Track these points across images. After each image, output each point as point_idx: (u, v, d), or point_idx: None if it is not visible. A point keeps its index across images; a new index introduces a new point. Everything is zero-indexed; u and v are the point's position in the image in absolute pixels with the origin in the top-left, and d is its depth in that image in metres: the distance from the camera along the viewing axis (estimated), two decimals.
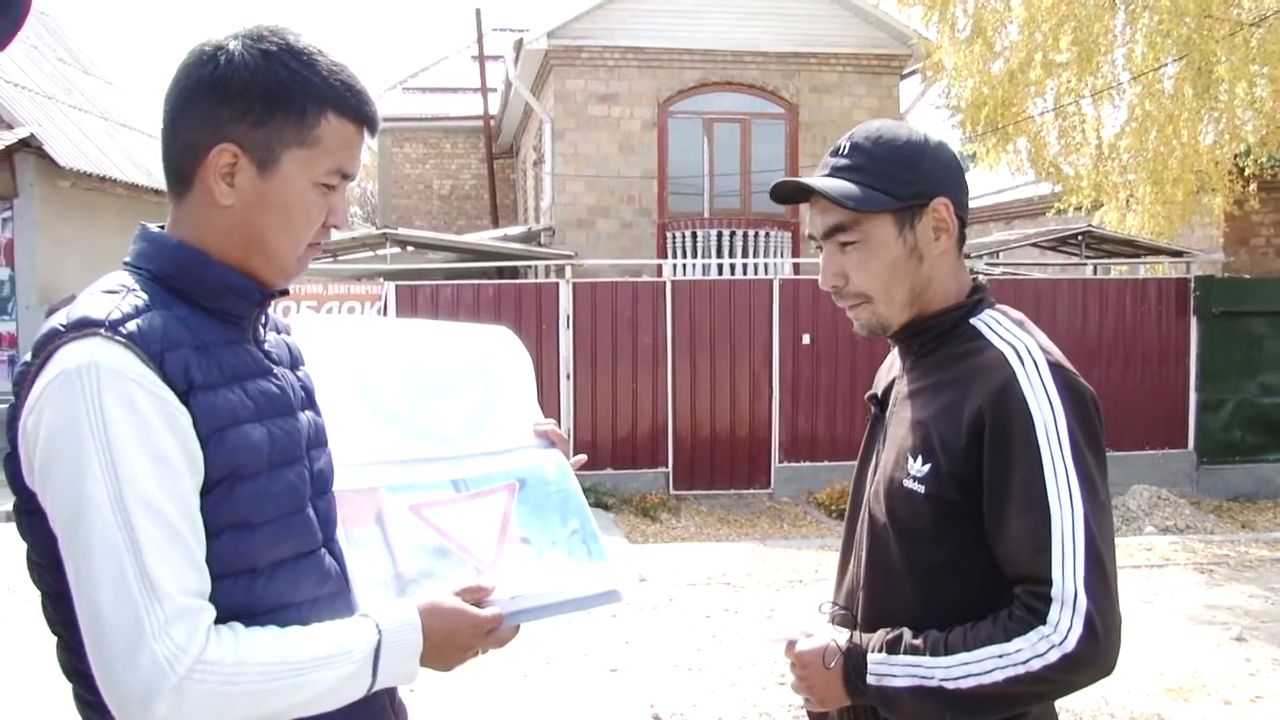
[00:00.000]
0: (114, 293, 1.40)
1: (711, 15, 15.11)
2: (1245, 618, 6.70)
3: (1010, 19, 11.74)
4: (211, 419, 1.37)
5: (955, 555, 1.67)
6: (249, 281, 1.49)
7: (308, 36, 1.50)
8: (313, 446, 1.56)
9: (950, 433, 1.65)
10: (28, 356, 1.37)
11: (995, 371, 1.65)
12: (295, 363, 1.64)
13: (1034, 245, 13.79)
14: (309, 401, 1.61)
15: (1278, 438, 11.90)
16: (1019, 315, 1.79)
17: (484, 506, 1.78)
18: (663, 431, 11.36)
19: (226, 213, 1.46)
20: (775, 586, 7.60)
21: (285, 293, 1.59)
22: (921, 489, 1.68)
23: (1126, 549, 8.54)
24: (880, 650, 1.67)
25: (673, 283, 11.55)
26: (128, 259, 1.48)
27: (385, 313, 10.73)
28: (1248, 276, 13.38)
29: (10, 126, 13.29)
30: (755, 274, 13.74)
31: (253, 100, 1.43)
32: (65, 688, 1.47)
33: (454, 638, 1.52)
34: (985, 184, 22.57)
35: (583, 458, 1.99)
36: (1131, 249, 13.13)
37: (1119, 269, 13.82)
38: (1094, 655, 1.54)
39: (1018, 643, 1.56)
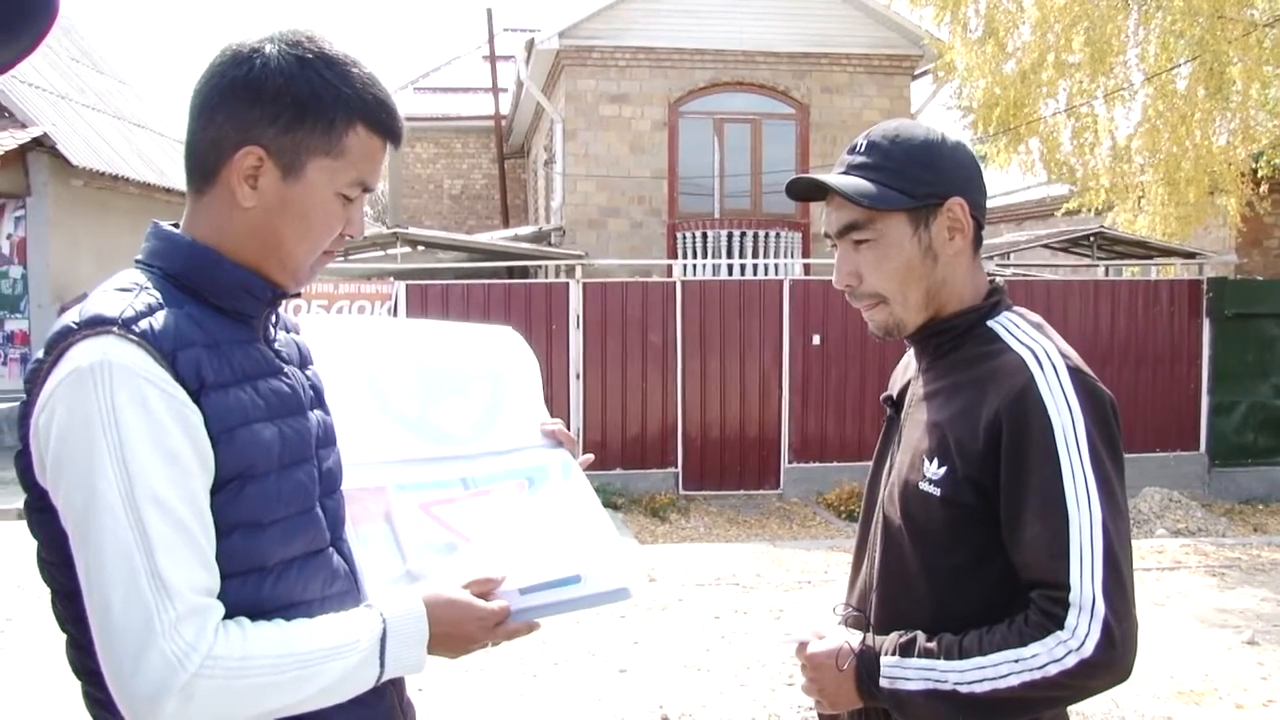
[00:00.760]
0: (127, 290, 1.40)
1: (722, 15, 15.10)
2: (1257, 621, 6.67)
3: (1023, 19, 11.71)
4: (222, 418, 1.38)
5: (970, 559, 1.66)
6: (262, 281, 1.49)
7: (342, 45, 1.50)
8: (322, 446, 1.56)
9: (967, 436, 1.64)
10: (40, 354, 1.37)
11: (1014, 375, 1.64)
12: (305, 362, 1.64)
13: (1045, 246, 13.76)
14: (318, 401, 1.61)
15: None
16: (1037, 318, 1.77)
17: (492, 504, 1.79)
18: (672, 432, 11.36)
19: (246, 214, 1.46)
20: (784, 587, 7.58)
21: (298, 294, 1.59)
22: (937, 492, 1.66)
23: (1138, 551, 8.51)
24: (894, 653, 1.66)
25: (683, 283, 11.55)
26: (140, 257, 1.48)
27: (395, 312, 10.75)
28: (1260, 278, 13.33)
29: (24, 125, 13.35)
30: (765, 274, 13.72)
31: (284, 106, 1.43)
32: (75, 685, 1.47)
33: (460, 628, 1.53)
34: (996, 185, 22.48)
35: (589, 457, 1.99)
36: (1143, 250, 13.09)
37: (1131, 270, 13.78)
38: (1111, 661, 1.53)
39: (1034, 648, 1.55)
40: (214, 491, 1.37)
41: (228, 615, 1.36)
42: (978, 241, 1.78)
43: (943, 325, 1.77)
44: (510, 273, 13.92)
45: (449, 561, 1.66)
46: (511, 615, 1.60)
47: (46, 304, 13.55)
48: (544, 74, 16.34)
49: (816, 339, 11.42)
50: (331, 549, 1.54)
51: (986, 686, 1.57)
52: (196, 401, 1.36)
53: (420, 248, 13.62)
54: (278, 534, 1.43)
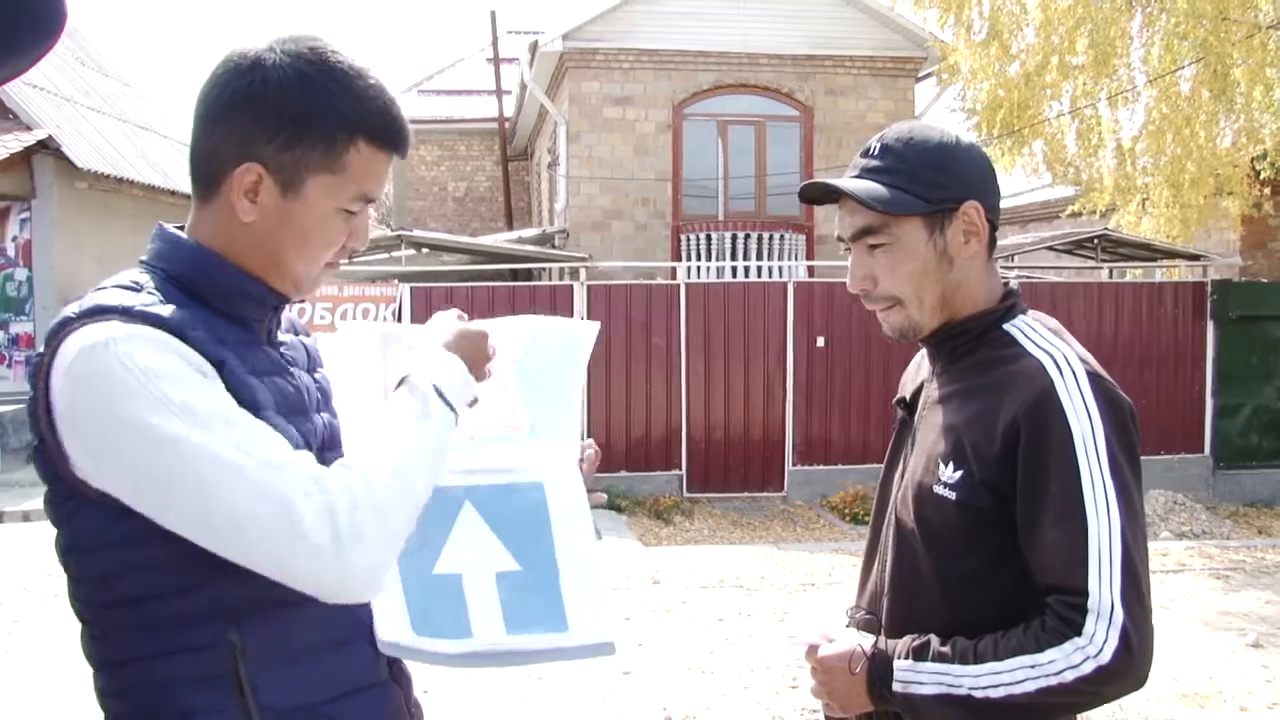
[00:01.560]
0: (128, 288, 1.40)
1: (726, 18, 15.11)
2: (1261, 624, 6.66)
3: (1026, 21, 11.71)
4: (238, 394, 1.37)
5: (985, 563, 1.66)
6: (264, 288, 1.48)
7: (348, 53, 1.47)
8: (326, 449, 1.56)
9: (984, 440, 1.63)
10: (41, 348, 1.36)
11: (1032, 380, 1.63)
12: (313, 365, 1.63)
13: (1049, 249, 13.74)
14: (325, 404, 1.61)
15: None
16: (1054, 322, 1.76)
17: (489, 532, 1.74)
18: (676, 434, 11.36)
19: (247, 227, 1.45)
20: (788, 590, 7.58)
21: (302, 300, 1.59)
22: (953, 496, 1.66)
23: None
24: (907, 656, 1.65)
25: (687, 285, 11.56)
26: (144, 258, 1.48)
27: (400, 315, 10.77)
28: (1265, 280, 13.31)
29: (29, 128, 13.37)
30: (770, 277, 13.72)
31: (284, 123, 1.41)
32: (80, 684, 1.46)
33: (469, 348, 1.53)
34: (1000, 187, 22.44)
35: (603, 497, 1.92)
36: (1148, 252, 13.08)
37: (1135, 273, 13.77)
38: (1128, 668, 1.53)
39: (1051, 653, 1.54)
40: None
41: (226, 610, 1.36)
42: (992, 244, 1.77)
43: (958, 328, 1.76)
44: (514, 275, 13.93)
45: (436, 583, 1.66)
46: (496, 656, 1.62)
47: (51, 306, 13.56)
48: (548, 76, 16.35)
49: (820, 341, 11.42)
50: None
51: (1001, 692, 1.56)
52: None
53: (424, 250, 13.64)
54: None
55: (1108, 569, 1.54)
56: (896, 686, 1.64)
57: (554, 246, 15.48)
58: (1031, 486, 1.59)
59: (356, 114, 1.44)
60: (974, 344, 1.76)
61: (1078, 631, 1.53)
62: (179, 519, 1.28)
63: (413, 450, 1.37)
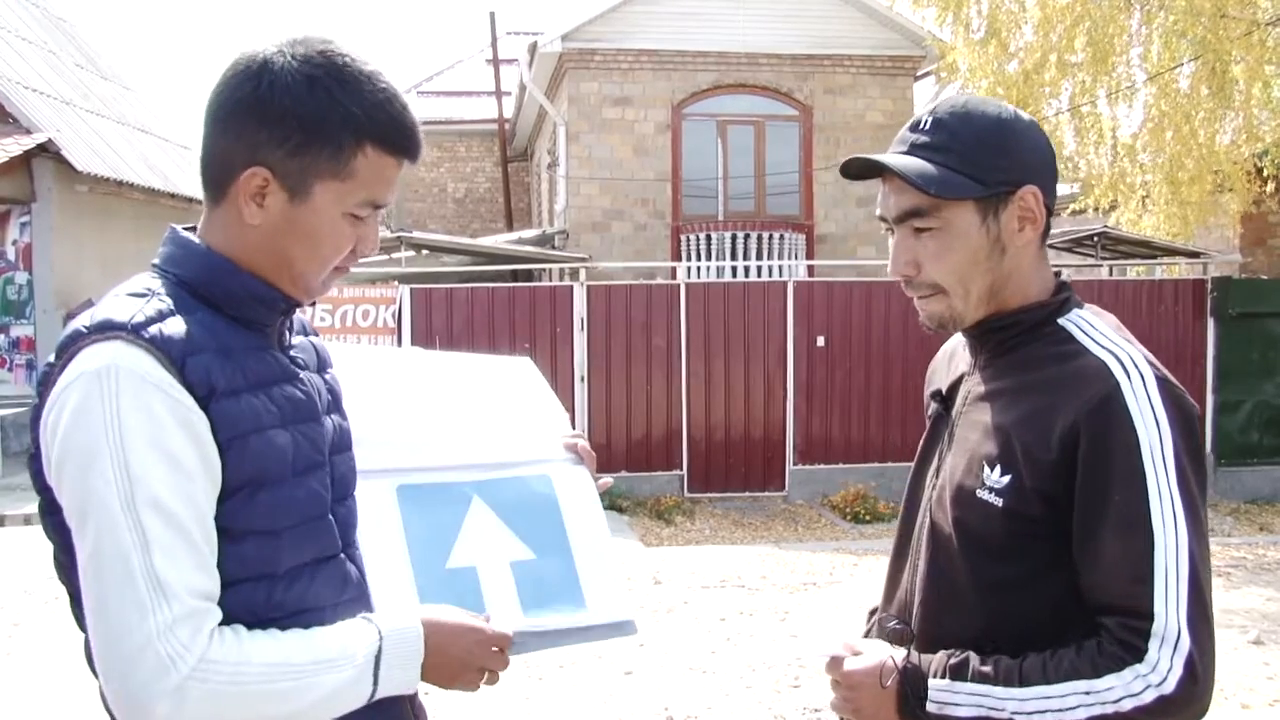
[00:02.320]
0: (139, 296, 1.40)
1: (725, 17, 15.12)
2: (1263, 621, 6.66)
3: (1025, 20, 11.70)
4: (232, 424, 1.37)
5: (1028, 573, 1.54)
6: (275, 292, 1.48)
7: (359, 57, 1.46)
8: (335, 451, 1.56)
9: (1038, 444, 1.51)
10: (51, 358, 1.38)
11: (1096, 382, 1.50)
12: (323, 365, 1.63)
13: (1050, 246, 13.71)
14: (335, 405, 1.61)
15: None
16: (1113, 319, 1.65)
17: (500, 522, 1.78)
18: (677, 434, 11.36)
19: (254, 231, 1.45)
20: (790, 589, 7.58)
21: (313, 303, 1.59)
22: (999, 502, 1.53)
23: None
24: (943, 675, 1.52)
25: (687, 285, 11.55)
26: (156, 261, 1.48)
27: (400, 315, 10.77)
28: (1265, 277, 13.31)
29: (28, 131, 13.38)
30: (769, 276, 13.72)
31: (291, 129, 1.40)
32: (81, 689, 1.48)
33: (458, 650, 1.50)
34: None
35: (608, 481, 1.95)
36: (1147, 250, 13.08)
37: (1135, 270, 13.77)
38: (1191, 698, 1.41)
39: (1109, 680, 1.42)
40: (225, 498, 1.37)
41: (240, 620, 1.37)
42: (1046, 232, 1.65)
43: (1007, 320, 1.63)
44: (514, 276, 13.93)
45: (453, 577, 1.66)
46: (517, 643, 1.60)
47: (51, 309, 13.57)
48: (547, 77, 16.36)
49: (821, 341, 11.42)
50: (343, 555, 1.54)
51: (1050, 718, 1.44)
52: (205, 408, 1.35)
53: (424, 251, 13.64)
54: (290, 540, 1.43)
55: (1174, 589, 1.42)
56: (931, 707, 1.51)
57: (554, 247, 15.49)
58: (1092, 495, 1.47)
59: (365, 119, 1.43)
60: (1023, 337, 1.63)
61: (1139, 658, 1.42)
62: (79, 560, 1.33)
63: (303, 677, 1.36)
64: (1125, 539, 1.45)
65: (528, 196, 23.66)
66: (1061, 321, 1.62)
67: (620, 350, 11.25)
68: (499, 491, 1.81)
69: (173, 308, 1.39)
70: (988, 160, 1.57)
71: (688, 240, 15.12)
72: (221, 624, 1.35)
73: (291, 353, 1.55)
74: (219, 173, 1.45)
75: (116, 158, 15.13)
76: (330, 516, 1.51)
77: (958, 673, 1.51)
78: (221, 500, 1.37)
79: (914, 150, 1.60)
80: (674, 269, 12.75)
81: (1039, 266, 1.66)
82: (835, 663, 1.61)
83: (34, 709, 5.23)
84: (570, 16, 15.20)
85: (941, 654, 1.55)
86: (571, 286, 11.37)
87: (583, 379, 11.14)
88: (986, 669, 1.49)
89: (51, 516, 1.39)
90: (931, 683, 1.52)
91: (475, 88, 23.88)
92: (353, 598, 1.53)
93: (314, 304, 1.57)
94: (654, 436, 11.34)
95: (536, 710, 5.20)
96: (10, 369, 13.94)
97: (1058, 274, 1.69)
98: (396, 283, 11.26)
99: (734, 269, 14.26)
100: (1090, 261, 13.23)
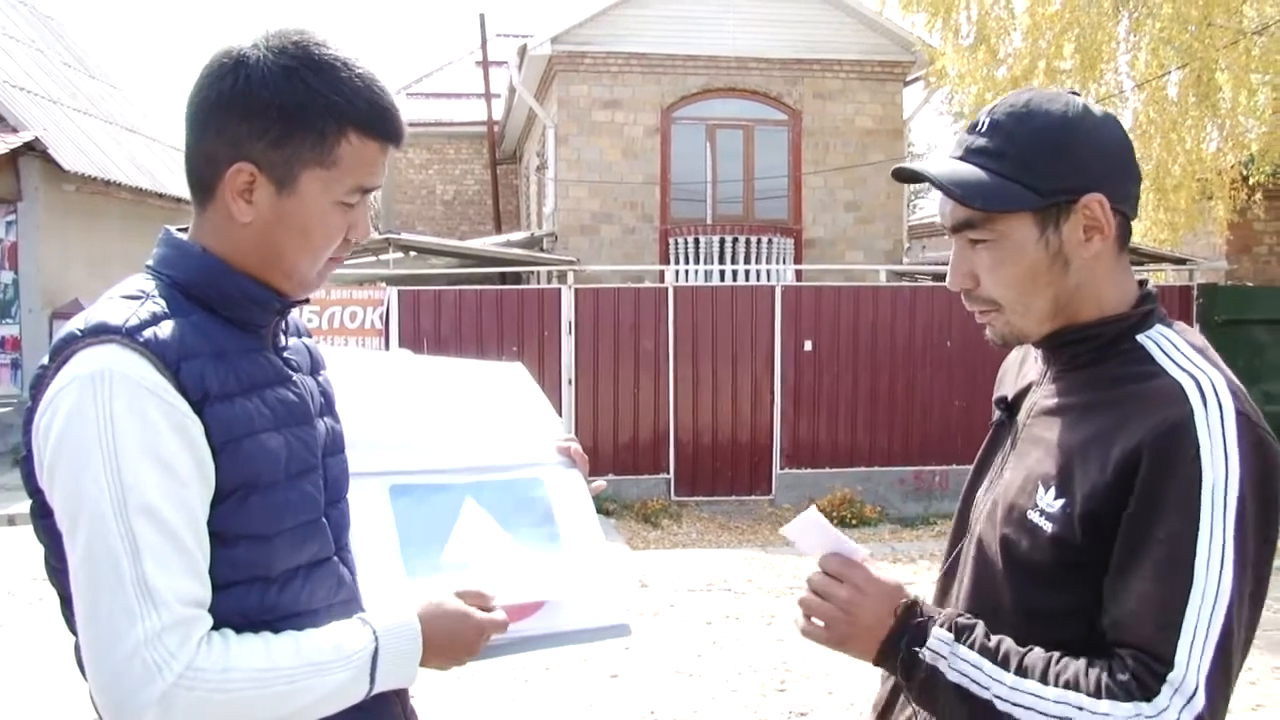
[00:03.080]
0: (133, 298, 1.40)
1: (715, 22, 15.13)
2: None
3: (1014, 26, 11.74)
4: (226, 428, 1.37)
5: (1077, 604, 1.42)
6: (269, 292, 1.47)
7: (334, 44, 1.46)
8: (329, 454, 1.55)
9: (1096, 467, 1.39)
10: (45, 360, 1.38)
11: (1168, 405, 1.37)
12: (316, 367, 1.63)
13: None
14: (328, 407, 1.61)
15: None
16: (1200, 338, 1.50)
17: (495, 520, 1.78)
18: (664, 437, 11.37)
19: (245, 228, 1.44)
20: (776, 593, 7.59)
21: (306, 301, 1.58)
22: (1049, 527, 1.42)
23: None
24: (949, 629, 1.43)
25: (675, 289, 11.57)
26: (150, 263, 1.48)
27: (387, 317, 10.76)
28: (1251, 284, 13.38)
29: (15, 130, 13.32)
30: (758, 280, 13.74)
31: (272, 120, 1.40)
32: (66, 690, 1.47)
33: (456, 641, 1.51)
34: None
35: (601, 484, 1.96)
36: (1134, 256, 13.08)
37: None
38: None
39: (1107, 705, 1.32)
40: (218, 502, 1.37)
41: (231, 623, 1.36)
42: (1125, 237, 1.51)
43: (1081, 333, 1.51)
44: (503, 278, 13.92)
45: (448, 572, 1.66)
46: (508, 645, 1.61)
47: (38, 309, 13.51)
48: (536, 79, 16.35)
49: (808, 345, 11.44)
50: (336, 558, 1.54)
51: (1030, 716, 1.35)
52: (199, 412, 1.35)
53: (413, 253, 13.62)
54: (283, 543, 1.43)
55: (1200, 643, 1.31)
56: (924, 654, 1.42)
57: (542, 250, 15.48)
58: (1137, 524, 1.35)
59: (345, 105, 1.43)
60: (1100, 353, 1.50)
61: (1148, 698, 1.32)
62: (70, 565, 1.33)
63: (295, 682, 1.36)
64: (1160, 578, 1.33)
65: (516, 199, 23.65)
66: (1140, 338, 1.49)
67: (608, 353, 11.25)
68: (492, 493, 1.82)
69: (167, 310, 1.39)
70: (1044, 166, 1.44)
71: (676, 244, 15.13)
72: (214, 628, 1.34)
73: (285, 355, 1.54)
74: (204, 172, 1.45)
75: (104, 157, 15.07)
76: (324, 519, 1.51)
77: (962, 634, 1.43)
78: (214, 504, 1.37)
79: (968, 155, 1.49)
80: (662, 272, 12.77)
81: (1116, 277, 1.51)
82: (855, 565, 1.51)
83: (18, 711, 5.20)
84: (560, 19, 15.21)
85: (952, 610, 1.49)
86: (560, 289, 11.36)
87: (570, 382, 11.14)
88: (990, 643, 1.42)
89: (43, 520, 1.39)
90: (934, 631, 1.44)
91: (464, 90, 23.87)
92: (345, 599, 1.53)
93: (306, 302, 1.56)
94: (641, 440, 11.35)
95: (522, 713, 5.19)
96: None
97: (1143, 283, 1.55)
98: (384, 285, 11.24)
99: (722, 273, 14.28)
100: None
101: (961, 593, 1.58)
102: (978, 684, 1.39)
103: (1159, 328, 1.49)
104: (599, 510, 10.31)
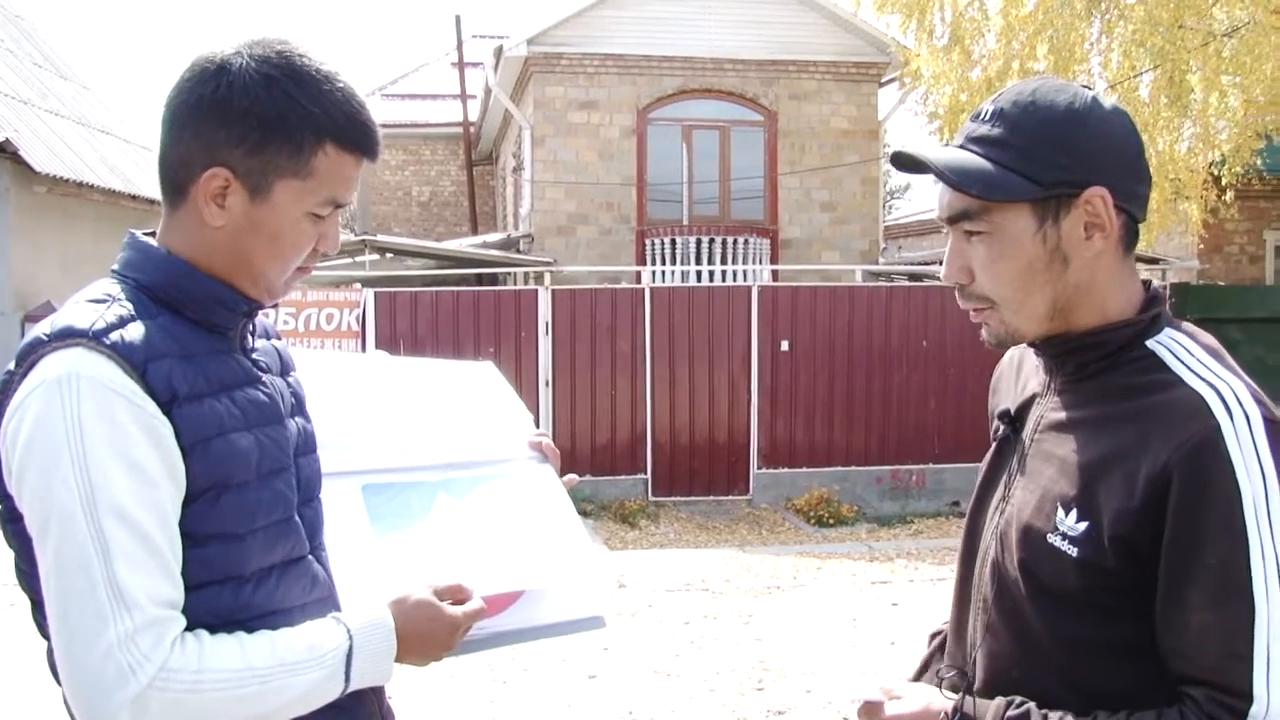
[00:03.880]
0: (99, 302, 1.40)
1: (690, 23, 15.15)
2: None
3: (988, 28, 11.81)
4: (195, 429, 1.37)
5: (1108, 629, 1.35)
6: (235, 294, 1.48)
7: (317, 56, 1.46)
8: (300, 454, 1.56)
9: (1121, 488, 1.31)
10: (11, 365, 1.37)
11: (1191, 420, 1.29)
12: (285, 369, 1.63)
13: None
14: (299, 408, 1.61)
15: None
16: (1211, 340, 1.42)
17: (469, 514, 1.79)
18: (642, 438, 11.37)
19: (216, 232, 1.45)
20: (754, 593, 7.61)
21: (275, 306, 1.58)
22: (1074, 552, 1.34)
23: None
24: None
25: (652, 289, 11.57)
26: (115, 266, 1.47)
27: (364, 319, 10.72)
28: (1222, 284, 13.50)
29: None
30: (734, 281, 13.76)
31: (250, 128, 1.40)
32: (35, 696, 1.47)
33: (431, 637, 1.51)
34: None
35: (574, 478, 1.97)
36: None
37: None
38: None
39: None
40: (189, 502, 1.36)
41: (205, 623, 1.36)
42: (1131, 239, 1.45)
43: (1086, 340, 1.43)
44: (479, 280, 13.89)
45: (419, 560, 1.66)
46: (483, 640, 1.60)
47: (9, 312, 13.39)
48: (512, 81, 16.34)
49: (785, 345, 11.47)
50: (310, 557, 1.54)
51: None
52: (168, 414, 1.35)
53: (389, 255, 13.58)
54: (256, 543, 1.42)
55: (1276, 669, 1.23)
56: None
57: (519, 251, 15.46)
58: (1181, 553, 1.27)
59: (324, 118, 1.43)
60: (1108, 361, 1.42)
61: None
62: (41, 569, 1.32)
63: (269, 681, 1.35)
64: (1220, 606, 1.25)
65: (493, 200, 23.61)
66: (1151, 344, 1.41)
67: (585, 355, 11.24)
68: (465, 489, 1.83)
69: (133, 313, 1.39)
70: (1046, 156, 1.38)
71: (653, 245, 15.14)
72: (188, 629, 1.34)
73: (254, 356, 1.54)
74: (178, 175, 1.45)
75: (76, 158, 14.95)
76: (297, 518, 1.51)
77: None
78: (186, 504, 1.36)
79: (970, 143, 1.43)
80: (639, 273, 12.78)
81: (1120, 279, 1.44)
82: (872, 708, 1.43)
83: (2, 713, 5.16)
84: (536, 20, 15.20)
85: (998, 702, 1.38)
86: (536, 290, 11.36)
87: (547, 383, 11.13)
88: None
89: (12, 524, 1.38)
90: None
91: (440, 91, 23.81)
92: (320, 598, 1.53)
93: (276, 306, 1.57)
94: (619, 441, 11.35)
95: (501, 713, 5.18)
96: None
97: (1148, 284, 1.48)
98: (360, 286, 11.21)
99: (698, 273, 14.30)
100: None
101: (979, 621, 1.50)
102: None
103: (1169, 331, 1.42)
104: (577, 511, 10.32)
